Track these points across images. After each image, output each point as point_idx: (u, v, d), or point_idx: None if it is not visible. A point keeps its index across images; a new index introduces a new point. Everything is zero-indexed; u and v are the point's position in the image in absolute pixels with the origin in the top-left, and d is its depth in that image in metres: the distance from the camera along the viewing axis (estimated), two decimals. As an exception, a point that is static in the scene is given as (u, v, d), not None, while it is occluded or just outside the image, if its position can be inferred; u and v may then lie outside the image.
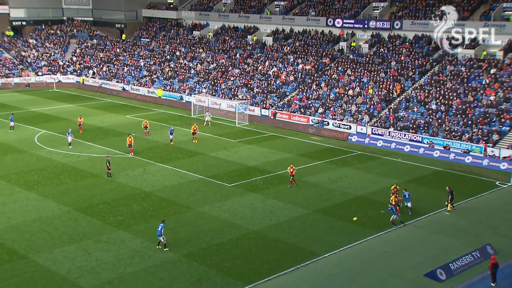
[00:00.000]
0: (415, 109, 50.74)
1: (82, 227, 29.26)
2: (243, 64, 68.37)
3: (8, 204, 32.31)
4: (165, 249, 26.68)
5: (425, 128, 48.06)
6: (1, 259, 25.58)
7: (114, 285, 23.58)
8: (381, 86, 55.60)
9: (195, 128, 47.87)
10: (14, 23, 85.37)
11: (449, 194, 32.09)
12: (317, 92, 58.21)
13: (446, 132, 46.64)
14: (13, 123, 50.54)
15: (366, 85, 56.45)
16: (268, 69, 65.50)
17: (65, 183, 36.33)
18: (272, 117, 56.78)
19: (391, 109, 52.20)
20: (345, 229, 29.59)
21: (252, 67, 67.05)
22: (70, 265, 25.08)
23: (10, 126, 50.38)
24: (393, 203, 31.32)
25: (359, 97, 55.26)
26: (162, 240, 26.69)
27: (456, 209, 32.74)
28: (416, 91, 53.14)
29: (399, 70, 56.74)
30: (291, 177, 36.14)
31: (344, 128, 51.90)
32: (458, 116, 47.88)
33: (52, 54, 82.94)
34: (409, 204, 31.84)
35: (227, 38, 75.56)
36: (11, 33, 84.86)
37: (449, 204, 32.10)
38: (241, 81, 64.69)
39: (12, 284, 23.53)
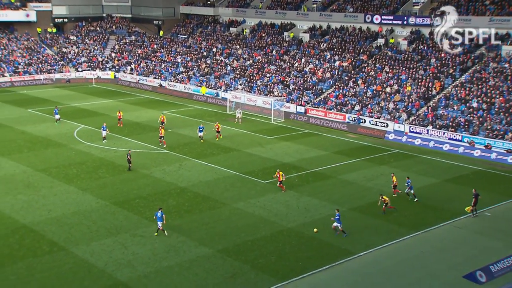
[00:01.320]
0: (455, 107, 49.55)
1: (119, 221, 29.76)
2: (279, 60, 68.19)
3: (49, 197, 33.15)
4: (155, 234, 27.52)
5: (465, 126, 46.89)
6: (42, 250, 26.27)
7: (150, 279, 23.89)
8: (420, 83, 54.52)
9: (217, 127, 47.46)
10: (56, 20, 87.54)
11: (473, 197, 30.90)
12: (354, 89, 57.53)
13: (487, 131, 45.40)
14: (58, 116, 51.91)
15: (404, 83, 55.46)
16: (304, 65, 65.12)
17: (103, 177, 37.01)
18: (307, 114, 56.50)
19: (429, 107, 51.14)
20: (381, 228, 29.15)
21: (288, 63, 66.79)
22: (107, 258, 25.55)
23: (56, 119, 51.71)
24: (386, 200, 30.97)
25: (397, 94, 54.34)
26: (160, 226, 27.45)
27: (498, 210, 31.85)
28: (456, 88, 51.89)
29: (439, 67, 55.50)
30: (279, 183, 34.50)
31: (381, 126, 51.15)
32: (501, 114, 46.52)
33: (92, 50, 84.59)
34: (412, 191, 32.94)
35: (263, 34, 75.47)
36: (53, 30, 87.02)
37: (469, 207, 30.87)
38: (277, 77, 64.54)
39: (53, 274, 24.15)
